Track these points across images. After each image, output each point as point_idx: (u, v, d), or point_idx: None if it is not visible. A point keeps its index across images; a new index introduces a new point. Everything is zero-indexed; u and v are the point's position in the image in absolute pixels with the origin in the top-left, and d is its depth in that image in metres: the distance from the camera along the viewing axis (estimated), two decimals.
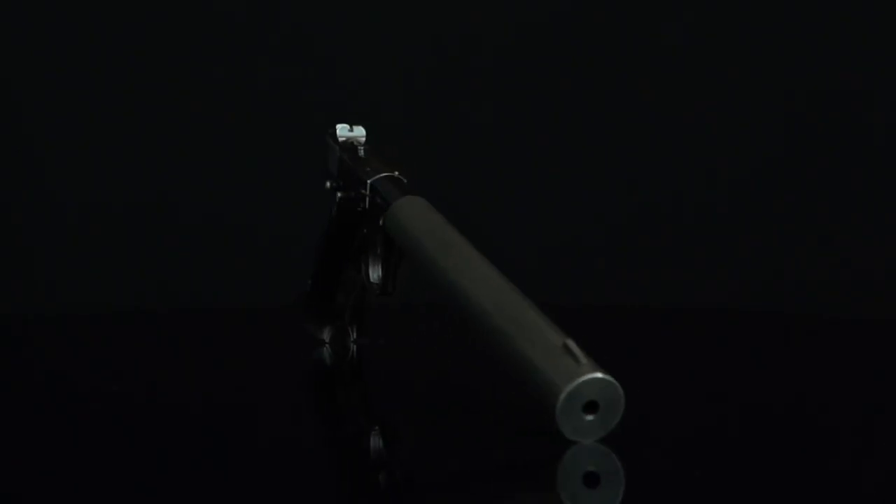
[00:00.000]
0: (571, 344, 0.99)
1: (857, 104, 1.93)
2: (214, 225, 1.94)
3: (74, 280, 1.95)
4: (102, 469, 1.01)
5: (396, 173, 1.23)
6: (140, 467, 1.01)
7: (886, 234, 1.93)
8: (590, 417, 0.97)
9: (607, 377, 0.97)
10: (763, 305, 1.92)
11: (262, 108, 1.92)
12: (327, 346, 1.32)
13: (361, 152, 1.28)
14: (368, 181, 1.23)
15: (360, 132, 1.32)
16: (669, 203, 1.95)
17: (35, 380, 1.28)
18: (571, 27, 1.95)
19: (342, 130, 1.32)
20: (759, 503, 0.95)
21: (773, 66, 1.93)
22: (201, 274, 1.93)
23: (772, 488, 0.96)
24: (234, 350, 1.30)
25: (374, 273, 1.25)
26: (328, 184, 1.30)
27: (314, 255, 1.32)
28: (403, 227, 1.18)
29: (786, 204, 1.94)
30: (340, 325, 1.32)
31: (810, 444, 1.05)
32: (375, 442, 1.10)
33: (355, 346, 1.32)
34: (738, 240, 1.95)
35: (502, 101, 1.96)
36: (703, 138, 1.94)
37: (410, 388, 1.23)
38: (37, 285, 1.96)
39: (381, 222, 1.20)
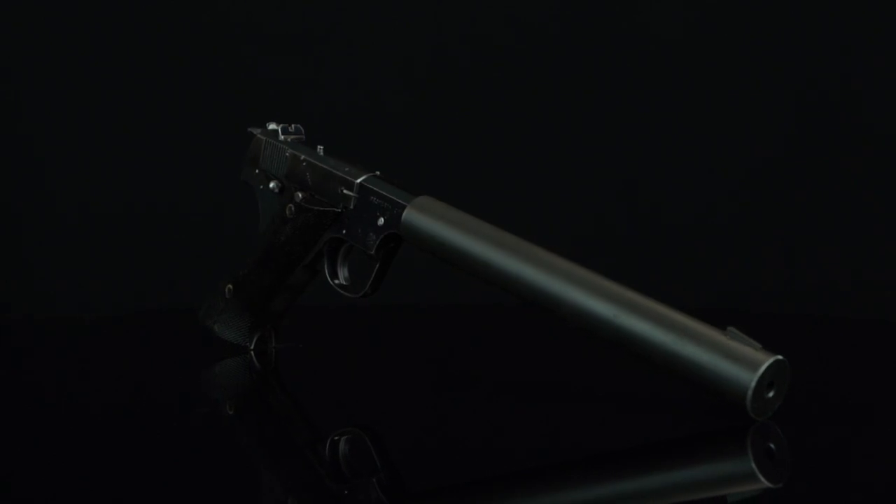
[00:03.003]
0: (735, 330, 1.04)
1: (857, 104, 1.93)
2: (214, 225, 1.94)
3: (74, 281, 1.95)
4: (102, 469, 1.01)
5: (378, 173, 1.21)
6: (139, 467, 1.01)
7: (886, 234, 1.92)
8: (770, 395, 1.03)
9: (783, 358, 1.03)
10: (763, 305, 1.92)
11: (262, 108, 1.92)
12: (252, 352, 1.29)
13: (321, 151, 1.25)
14: (356, 181, 1.21)
15: (298, 130, 1.28)
16: (669, 203, 1.95)
17: (35, 380, 1.28)
18: (571, 27, 1.95)
19: (283, 130, 1.28)
20: (759, 502, 0.95)
21: (773, 66, 1.93)
22: (201, 274, 1.93)
23: (772, 487, 0.96)
24: (233, 350, 1.30)
25: (343, 273, 1.23)
26: (272, 184, 1.27)
27: (257, 258, 1.28)
28: (436, 227, 1.15)
29: (786, 204, 1.94)
30: (264, 331, 1.28)
31: (811, 444, 1.05)
32: (379, 442, 1.10)
33: (275, 351, 1.29)
34: (738, 240, 1.95)
35: (502, 101, 1.96)
36: (704, 138, 1.94)
37: (407, 387, 1.23)
38: (37, 285, 1.96)
39: (378, 222, 1.18)
